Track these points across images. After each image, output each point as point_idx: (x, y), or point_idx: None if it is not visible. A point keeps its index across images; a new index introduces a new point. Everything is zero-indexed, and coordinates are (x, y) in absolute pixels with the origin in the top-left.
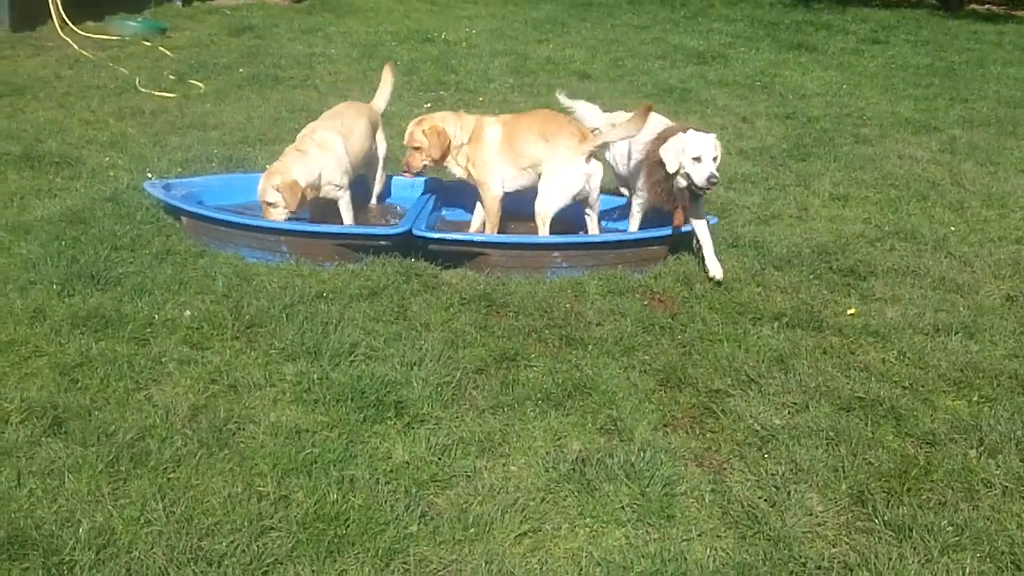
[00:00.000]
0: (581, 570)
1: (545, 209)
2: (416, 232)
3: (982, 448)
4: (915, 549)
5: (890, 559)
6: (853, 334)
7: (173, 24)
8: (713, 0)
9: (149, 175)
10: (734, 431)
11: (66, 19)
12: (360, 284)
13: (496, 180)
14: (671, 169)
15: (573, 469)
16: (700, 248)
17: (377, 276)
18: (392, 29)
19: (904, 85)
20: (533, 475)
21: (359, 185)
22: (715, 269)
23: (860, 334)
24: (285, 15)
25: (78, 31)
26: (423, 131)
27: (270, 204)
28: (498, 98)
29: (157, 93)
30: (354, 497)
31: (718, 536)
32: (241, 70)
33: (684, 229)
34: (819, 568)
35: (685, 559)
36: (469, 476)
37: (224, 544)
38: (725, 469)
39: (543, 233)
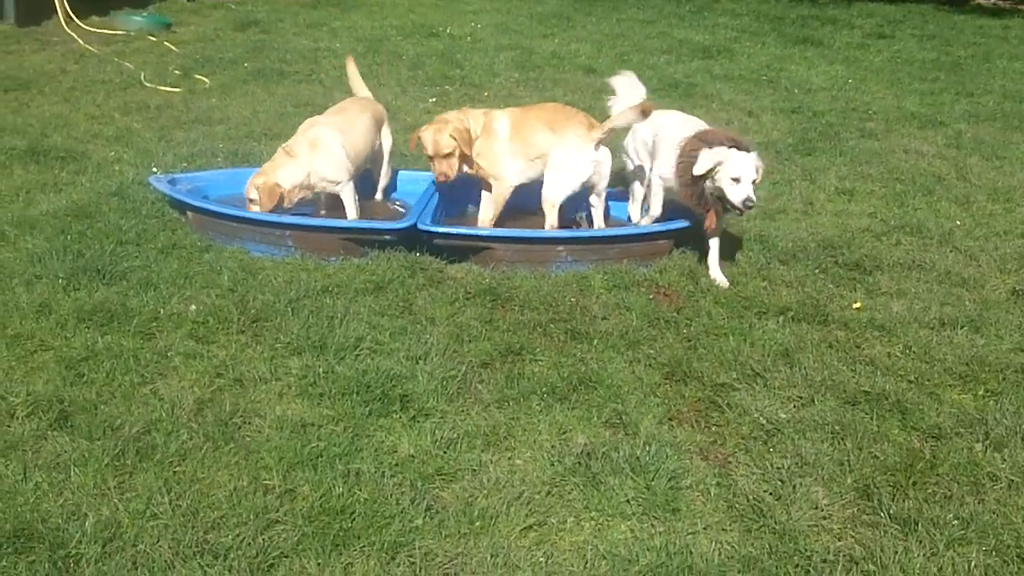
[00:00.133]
0: (586, 563)
1: (553, 195)
2: (421, 226)
3: (988, 442)
4: (921, 542)
5: (896, 552)
6: (859, 328)
7: (178, 19)
8: None
9: (154, 169)
10: (739, 425)
11: (71, 14)
12: (365, 278)
13: (509, 171)
14: (697, 172)
15: (578, 462)
16: (707, 255)
17: (382, 270)
18: (397, 23)
19: (910, 80)
20: (538, 468)
21: (364, 180)
22: (720, 279)
23: (866, 328)
24: (290, 10)
25: (83, 26)
26: (451, 135)
27: (251, 201)
28: (503, 92)
29: (162, 88)
30: (360, 490)
31: (723, 529)
32: (246, 65)
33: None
34: (824, 561)
35: (690, 552)
36: (474, 469)
37: (230, 537)
38: (730, 463)
39: (551, 220)
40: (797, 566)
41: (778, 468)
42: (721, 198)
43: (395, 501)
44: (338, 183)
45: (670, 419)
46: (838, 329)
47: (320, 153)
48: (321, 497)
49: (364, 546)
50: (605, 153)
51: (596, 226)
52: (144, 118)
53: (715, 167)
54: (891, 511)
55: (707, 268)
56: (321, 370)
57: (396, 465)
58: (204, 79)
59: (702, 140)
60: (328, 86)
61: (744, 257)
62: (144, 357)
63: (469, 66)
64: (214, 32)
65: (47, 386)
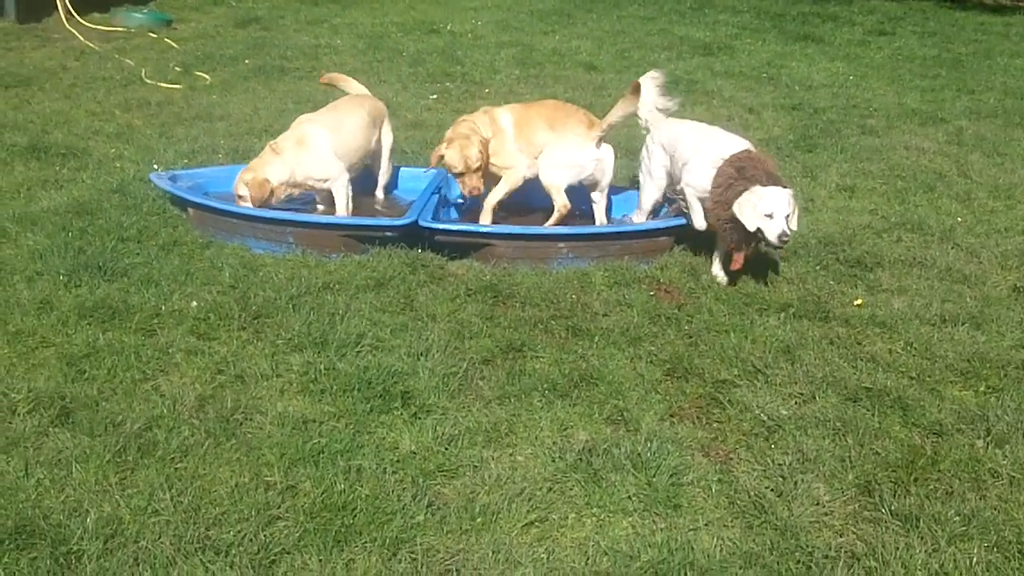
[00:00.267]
0: (588, 559)
1: (551, 179)
2: (422, 223)
3: (989, 438)
4: (922, 539)
5: (897, 549)
6: (860, 325)
7: (179, 16)
8: None
9: (155, 166)
10: (741, 421)
11: (72, 11)
12: (366, 275)
13: (520, 163)
14: (751, 228)
15: (580, 459)
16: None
17: (383, 267)
18: (398, 20)
19: (911, 76)
20: (540, 465)
21: (367, 177)
22: (720, 276)
23: (867, 325)
24: (291, 6)
25: (84, 23)
26: (478, 150)
27: (240, 196)
28: (504, 89)
29: (163, 84)
30: (361, 487)
31: (725, 526)
32: (247, 61)
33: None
34: (826, 558)
35: (692, 548)
36: (476, 466)
37: (231, 534)
38: (732, 459)
39: (558, 201)
40: (798, 562)
41: (779, 464)
42: (756, 234)
43: (396, 497)
44: (325, 180)
45: (671, 415)
46: (839, 326)
47: (305, 151)
48: (322, 493)
49: (366, 542)
50: (607, 150)
51: (598, 223)
52: (145, 115)
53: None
54: (892, 507)
55: (709, 263)
56: (322, 366)
57: (397, 461)
58: (205, 76)
59: (738, 171)
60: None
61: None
62: (145, 354)
63: (470, 63)
64: (215, 29)
65: (48, 383)
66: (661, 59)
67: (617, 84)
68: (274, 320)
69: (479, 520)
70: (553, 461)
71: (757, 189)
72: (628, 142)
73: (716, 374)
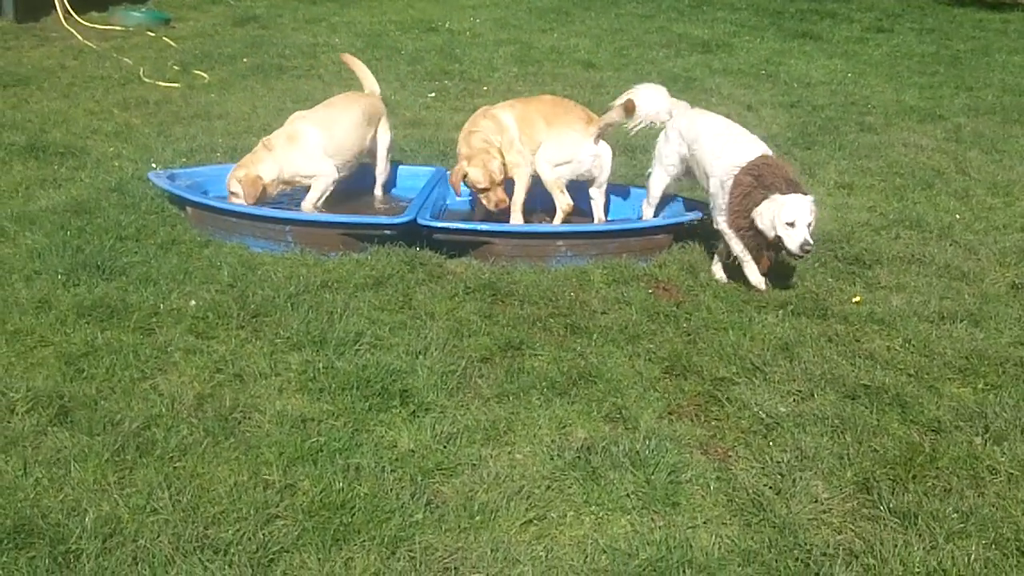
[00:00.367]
0: (586, 557)
1: (550, 176)
2: (421, 221)
3: (987, 435)
4: (920, 536)
5: (895, 546)
6: (858, 322)
7: (177, 14)
8: None
9: (154, 165)
10: (739, 419)
11: (70, 10)
12: (365, 273)
13: (529, 158)
14: (770, 236)
15: (578, 457)
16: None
17: (382, 265)
18: (396, 18)
19: (909, 73)
20: (538, 463)
21: (365, 175)
22: (720, 275)
23: (865, 322)
24: (289, 5)
25: (82, 22)
26: (500, 162)
27: (232, 193)
28: (502, 87)
29: (161, 83)
30: (360, 485)
31: (723, 523)
32: (245, 60)
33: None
34: (824, 555)
35: (690, 546)
36: (474, 464)
37: (230, 532)
38: (730, 457)
39: (559, 200)
40: (797, 560)
41: (778, 462)
42: (776, 243)
43: (395, 496)
44: (314, 175)
45: (670, 413)
46: (838, 323)
47: (295, 147)
48: (321, 492)
49: (364, 541)
50: (605, 147)
51: (596, 219)
52: (143, 114)
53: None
54: (891, 505)
55: (709, 262)
56: (321, 365)
57: (396, 460)
58: (203, 75)
59: (757, 179)
60: (327, 81)
61: None
62: (144, 352)
63: (468, 61)
64: (213, 28)
65: (47, 382)
66: (659, 57)
67: (615, 82)
68: (273, 319)
69: (478, 518)
70: (552, 459)
71: (777, 197)
72: (625, 140)
73: (714, 372)
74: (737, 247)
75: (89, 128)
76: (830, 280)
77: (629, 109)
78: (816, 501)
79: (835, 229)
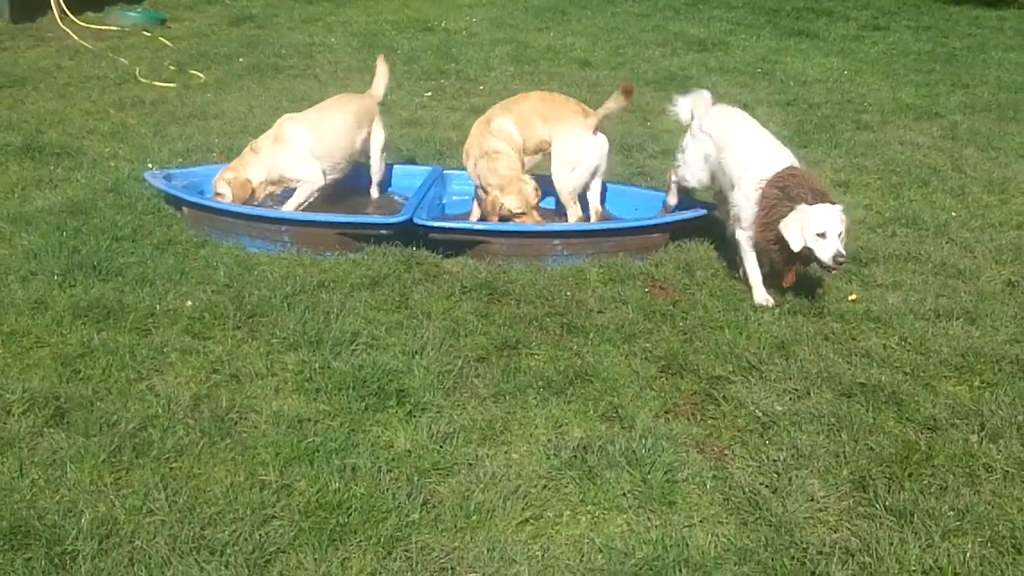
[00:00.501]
0: (583, 556)
1: (568, 185)
2: (417, 221)
3: (983, 433)
4: (916, 534)
5: (891, 544)
6: (854, 320)
7: (173, 14)
8: None
9: (150, 165)
10: (735, 417)
11: (66, 10)
12: (361, 273)
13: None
14: (796, 248)
15: (575, 456)
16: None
17: (378, 265)
18: (392, 18)
19: (905, 71)
20: (535, 462)
21: (361, 175)
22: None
23: (861, 320)
24: (285, 4)
25: (78, 22)
26: (533, 186)
27: (218, 194)
28: (499, 87)
29: (157, 83)
30: (356, 485)
31: (719, 522)
32: (241, 60)
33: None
34: (820, 553)
35: (687, 545)
36: (471, 464)
37: (226, 533)
38: (726, 455)
39: (572, 211)
40: (793, 558)
41: (774, 460)
42: (807, 255)
43: (391, 496)
44: (300, 179)
45: (666, 412)
46: (834, 321)
47: (282, 148)
48: (317, 492)
49: (360, 541)
50: (603, 137)
51: (592, 208)
52: (139, 114)
53: (803, 230)
54: (887, 503)
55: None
56: (317, 365)
57: (392, 460)
58: (199, 75)
59: (782, 191)
60: (323, 81)
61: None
62: (140, 353)
63: (464, 60)
64: (209, 27)
65: (43, 383)
66: (656, 55)
67: (611, 80)
68: (269, 319)
69: (474, 518)
70: (548, 458)
71: (804, 208)
72: (622, 138)
73: (711, 370)
74: (749, 262)
75: (85, 128)
76: (826, 278)
77: (627, 92)
78: (812, 499)
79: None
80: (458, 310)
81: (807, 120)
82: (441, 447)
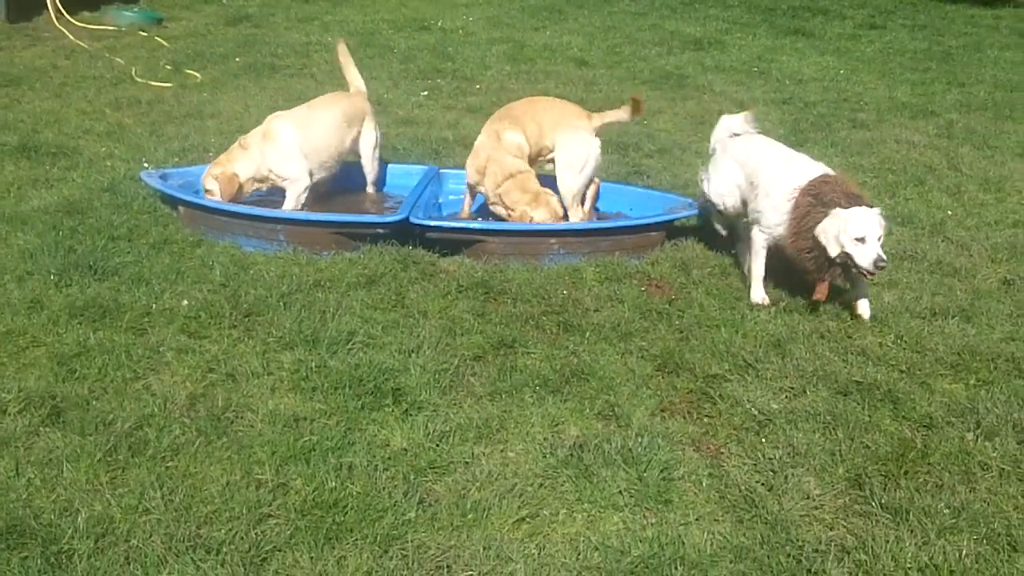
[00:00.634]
0: (579, 555)
1: (574, 188)
2: (413, 220)
3: (979, 431)
4: (912, 532)
5: (887, 542)
6: (850, 318)
7: (169, 14)
8: None
9: (146, 165)
10: (731, 416)
11: (62, 10)
12: (357, 272)
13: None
14: (832, 254)
15: (571, 454)
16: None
17: (375, 264)
18: (389, 17)
19: (901, 70)
20: (531, 461)
21: (357, 174)
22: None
23: (857, 318)
24: (281, 4)
25: (74, 22)
26: (557, 199)
27: (207, 191)
28: (495, 86)
29: (153, 83)
30: (352, 484)
31: (715, 520)
32: (238, 59)
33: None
34: (816, 551)
35: (683, 543)
36: (467, 462)
37: (223, 532)
38: (722, 454)
39: (575, 212)
40: (789, 556)
41: (770, 459)
42: (845, 262)
43: (388, 494)
44: (286, 178)
45: (662, 410)
46: (829, 319)
47: (270, 145)
48: (314, 491)
49: (357, 539)
50: (599, 140)
51: (586, 206)
52: (135, 113)
53: (840, 235)
54: (883, 501)
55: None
56: (313, 364)
57: (389, 458)
58: (195, 74)
59: (816, 197)
60: (320, 80)
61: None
62: (136, 352)
63: (461, 59)
64: (205, 27)
65: (39, 382)
66: (652, 54)
67: (608, 79)
68: (265, 318)
69: (470, 516)
70: (544, 457)
71: (839, 212)
72: (618, 137)
73: (707, 369)
74: (756, 261)
75: (81, 128)
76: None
77: (636, 107)
78: (808, 497)
79: None
80: (454, 309)
81: (803, 119)
82: (437, 446)
